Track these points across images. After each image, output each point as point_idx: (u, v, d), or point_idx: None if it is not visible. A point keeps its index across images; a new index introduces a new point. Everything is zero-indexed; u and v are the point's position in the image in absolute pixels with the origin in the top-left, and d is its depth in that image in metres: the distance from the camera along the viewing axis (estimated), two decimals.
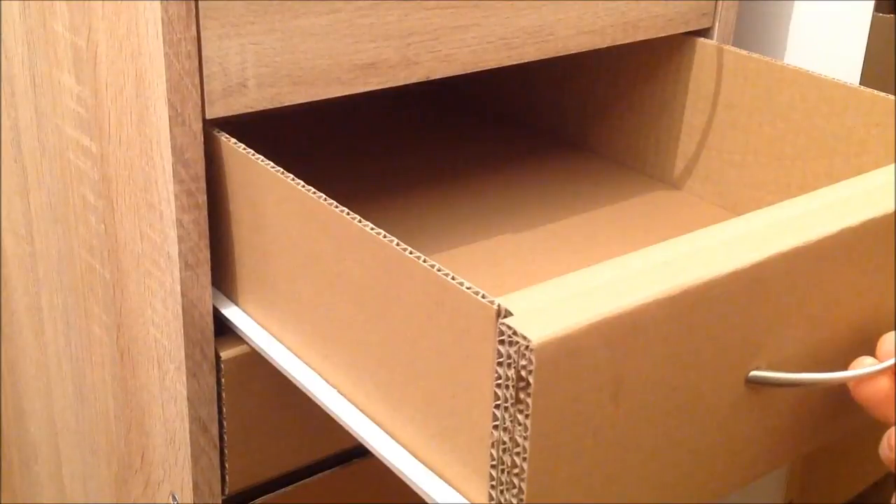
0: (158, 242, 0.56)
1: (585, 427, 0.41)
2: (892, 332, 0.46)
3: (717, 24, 0.74)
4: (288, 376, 0.54)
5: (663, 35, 0.71)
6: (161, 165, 0.54)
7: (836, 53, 0.82)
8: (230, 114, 0.54)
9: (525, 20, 0.63)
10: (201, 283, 0.56)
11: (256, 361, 0.57)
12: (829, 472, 1.06)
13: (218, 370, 0.58)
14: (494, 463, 0.41)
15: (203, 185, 0.54)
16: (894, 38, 0.79)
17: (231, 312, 0.57)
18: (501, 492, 0.41)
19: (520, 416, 0.39)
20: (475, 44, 0.62)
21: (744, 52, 0.71)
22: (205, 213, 0.54)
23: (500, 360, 0.39)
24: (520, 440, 0.39)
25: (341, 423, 0.51)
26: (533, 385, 0.38)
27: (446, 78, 0.62)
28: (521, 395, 0.38)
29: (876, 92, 0.65)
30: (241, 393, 0.59)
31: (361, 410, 0.50)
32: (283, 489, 0.63)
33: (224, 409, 0.59)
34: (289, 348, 0.54)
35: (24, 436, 0.86)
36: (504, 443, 0.40)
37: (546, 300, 0.40)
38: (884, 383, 0.45)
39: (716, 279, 0.42)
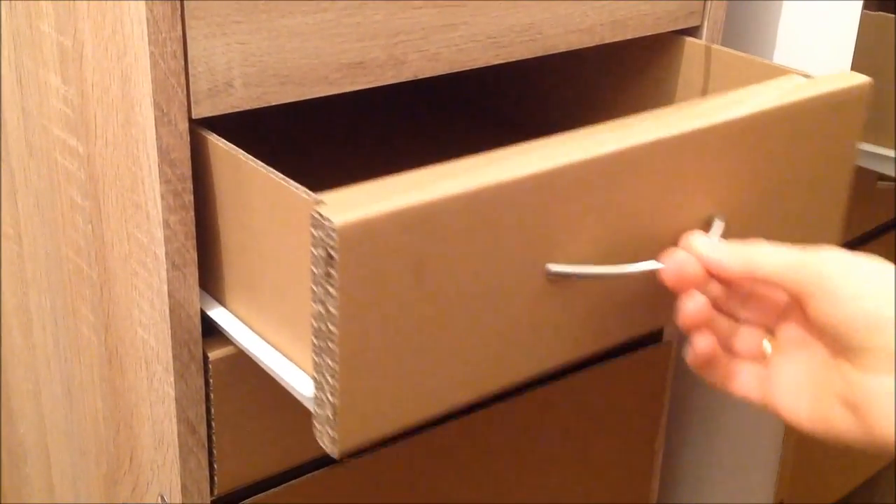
0: (145, 243, 0.56)
1: (391, 301, 0.47)
2: (698, 232, 0.53)
3: (705, 23, 0.74)
4: (275, 377, 0.53)
5: (652, 34, 0.71)
6: (147, 165, 0.53)
7: (825, 52, 0.82)
8: (216, 113, 0.54)
9: (513, 19, 0.63)
10: (188, 283, 0.55)
11: (244, 362, 0.57)
12: (819, 472, 1.07)
13: (206, 371, 0.58)
14: (314, 332, 0.47)
15: (190, 185, 0.54)
16: (894, 35, 0.79)
17: (218, 313, 0.57)
18: (321, 356, 0.47)
19: (330, 289, 0.45)
20: (463, 43, 0.61)
21: (732, 51, 0.71)
22: (191, 213, 0.54)
23: (314, 241, 0.45)
24: (332, 310, 0.45)
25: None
26: (338, 261, 0.44)
27: (436, 77, 0.61)
28: (331, 271, 0.45)
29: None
30: (229, 394, 0.58)
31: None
32: (271, 490, 0.63)
33: (212, 410, 0.59)
34: (276, 349, 0.54)
35: (13, 437, 0.86)
36: (321, 313, 0.46)
37: (359, 195, 0.46)
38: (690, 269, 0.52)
39: (509, 181, 0.49)
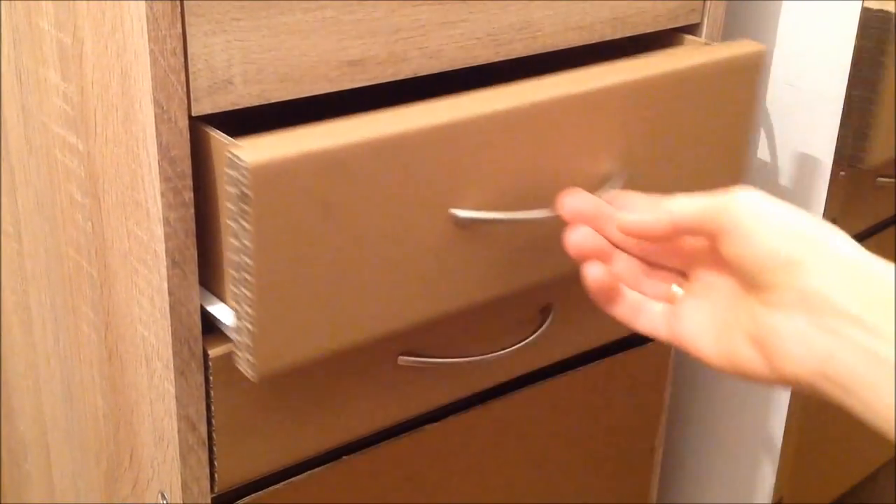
0: (145, 240, 0.56)
1: (303, 237, 0.52)
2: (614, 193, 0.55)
3: (705, 21, 0.74)
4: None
5: (651, 31, 0.71)
6: (147, 163, 0.53)
7: (825, 50, 0.82)
8: (217, 111, 0.54)
9: (513, 16, 0.63)
10: (188, 280, 0.55)
11: None
12: (818, 470, 1.07)
13: (206, 368, 0.58)
14: (233, 265, 0.51)
15: (190, 182, 0.54)
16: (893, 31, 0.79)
17: (218, 310, 0.57)
18: (238, 287, 0.51)
19: (245, 224, 0.50)
20: (463, 40, 0.61)
21: None
22: (191, 210, 0.54)
23: (229, 180, 0.49)
24: (246, 243, 0.50)
25: None
26: (251, 198, 0.49)
27: (437, 78, 0.61)
28: (244, 207, 0.49)
29: None
30: (230, 391, 0.58)
31: None
32: (272, 487, 0.63)
33: (212, 407, 0.59)
34: None
35: (13, 434, 0.86)
36: (237, 247, 0.51)
37: (273, 140, 0.51)
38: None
39: (413, 130, 0.54)
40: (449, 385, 0.68)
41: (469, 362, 0.67)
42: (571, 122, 0.60)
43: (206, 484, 0.60)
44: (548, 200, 0.58)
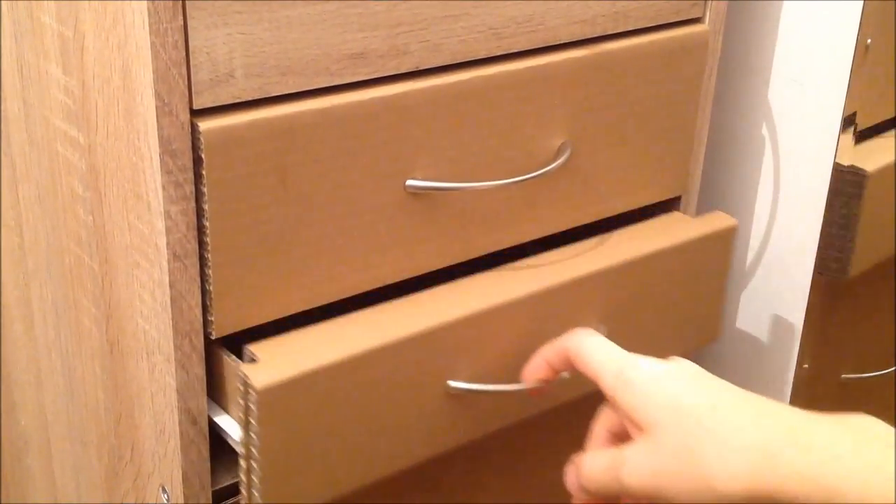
0: (146, 234, 0.56)
1: (259, 201, 0.55)
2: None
3: (707, 14, 0.74)
4: None
5: (653, 25, 0.71)
6: (148, 156, 0.53)
7: (827, 47, 0.82)
8: (218, 104, 0.53)
9: (515, 10, 0.63)
10: (189, 274, 0.55)
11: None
12: None
13: (208, 363, 0.58)
14: (196, 226, 0.54)
15: (191, 175, 0.54)
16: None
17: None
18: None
19: (202, 188, 0.53)
20: (465, 34, 0.61)
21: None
22: (192, 203, 0.54)
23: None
24: (204, 206, 0.54)
25: None
26: (205, 162, 0.53)
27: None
28: (201, 171, 0.53)
29: None
30: (275, 424, 0.58)
31: None
32: None
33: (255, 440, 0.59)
34: None
35: (14, 428, 0.86)
36: (194, 211, 0.54)
37: (231, 111, 0.54)
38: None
39: (363, 100, 0.57)
40: (499, 411, 0.67)
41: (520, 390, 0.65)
42: (520, 94, 0.64)
43: (207, 477, 0.60)
44: (501, 170, 0.65)
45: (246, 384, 0.53)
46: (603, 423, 0.56)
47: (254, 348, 0.56)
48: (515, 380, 0.62)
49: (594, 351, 0.56)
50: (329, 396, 0.56)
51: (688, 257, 0.71)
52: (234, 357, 0.57)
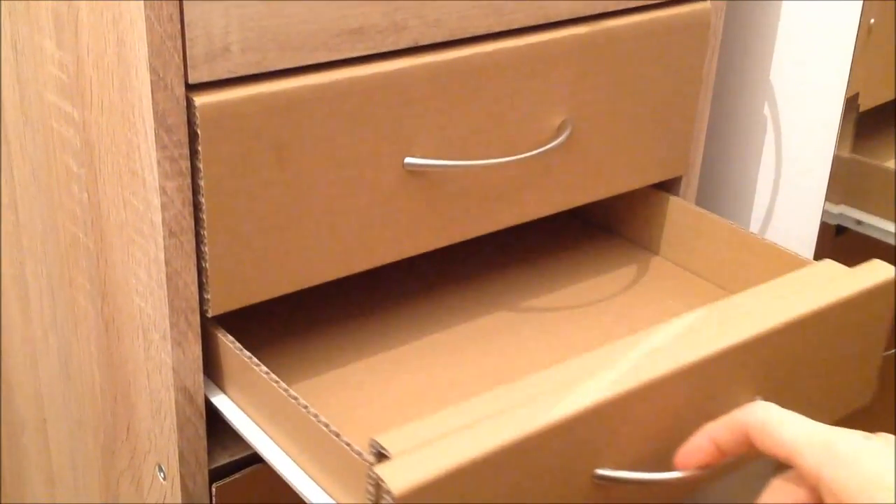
0: (141, 210, 0.55)
1: (255, 177, 0.55)
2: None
3: None
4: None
5: (656, 2, 0.70)
6: (143, 131, 0.53)
7: (830, 27, 0.81)
8: (214, 79, 0.53)
9: None
10: (185, 251, 0.55)
11: None
12: None
13: (204, 335, 0.57)
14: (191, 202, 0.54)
15: (186, 150, 0.53)
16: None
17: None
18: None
19: (197, 164, 0.53)
20: (464, 9, 0.61)
21: None
22: (188, 179, 0.54)
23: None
24: (200, 182, 0.53)
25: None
26: (201, 137, 0.52)
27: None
28: (197, 147, 0.52)
29: None
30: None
31: None
32: None
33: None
34: None
35: (10, 409, 0.85)
36: (190, 187, 0.54)
37: (227, 85, 0.53)
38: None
39: (361, 76, 0.57)
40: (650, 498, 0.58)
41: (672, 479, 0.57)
42: (522, 72, 0.63)
43: (204, 455, 0.60)
44: (503, 148, 0.64)
45: (379, 487, 0.45)
46: (781, 498, 0.50)
47: (382, 440, 0.46)
48: (666, 463, 0.53)
49: (786, 425, 0.49)
50: (469, 496, 0.47)
51: (848, 314, 0.62)
52: (265, 369, 0.54)
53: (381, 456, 0.46)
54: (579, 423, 0.50)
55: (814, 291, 0.60)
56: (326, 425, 0.50)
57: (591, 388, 0.51)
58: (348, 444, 0.49)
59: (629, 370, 0.52)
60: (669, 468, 0.52)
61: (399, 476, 0.45)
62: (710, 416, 0.52)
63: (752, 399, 0.55)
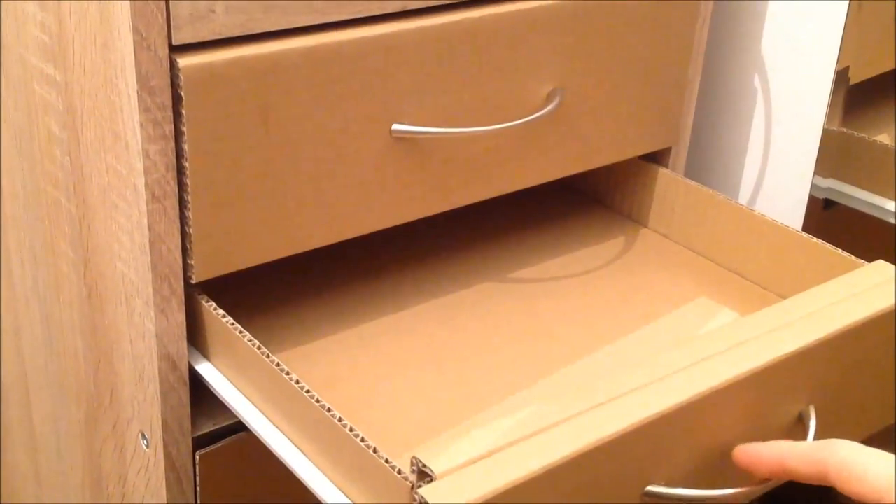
0: (124, 174, 0.55)
1: (240, 142, 0.54)
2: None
3: None
4: None
5: None
6: (126, 93, 0.52)
7: (817, 22, 0.80)
8: (198, 40, 0.52)
9: None
10: (169, 216, 0.54)
11: None
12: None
13: (188, 305, 0.57)
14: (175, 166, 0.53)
15: (170, 113, 0.52)
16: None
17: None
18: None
19: (182, 127, 0.52)
20: None
21: None
22: (172, 143, 0.53)
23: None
24: (184, 146, 0.52)
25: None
26: (184, 100, 0.51)
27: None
28: (181, 109, 0.51)
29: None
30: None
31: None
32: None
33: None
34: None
35: None
36: (174, 151, 0.52)
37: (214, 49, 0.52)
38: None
39: (349, 40, 0.56)
40: None
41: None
42: (510, 40, 0.62)
43: (187, 423, 0.59)
44: (491, 116, 0.63)
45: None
46: None
47: (422, 456, 0.44)
48: (715, 479, 0.52)
49: (870, 466, 0.48)
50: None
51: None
52: (249, 336, 0.54)
53: (423, 474, 0.43)
54: (632, 439, 0.47)
55: (870, 296, 0.58)
56: (309, 392, 0.50)
57: (643, 402, 0.48)
58: (329, 410, 0.49)
59: (683, 382, 0.50)
60: (719, 484, 0.50)
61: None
62: (762, 427, 0.52)
63: (804, 409, 0.54)
